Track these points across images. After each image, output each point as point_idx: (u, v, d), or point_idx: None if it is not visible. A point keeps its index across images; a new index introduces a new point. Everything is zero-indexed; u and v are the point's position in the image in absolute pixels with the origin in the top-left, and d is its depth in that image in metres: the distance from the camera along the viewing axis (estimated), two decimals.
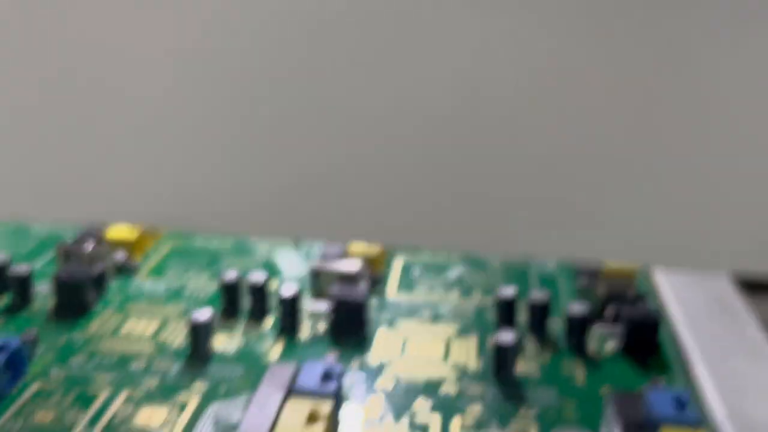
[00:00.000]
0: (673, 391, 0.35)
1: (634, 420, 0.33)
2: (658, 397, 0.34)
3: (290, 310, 0.42)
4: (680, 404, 0.34)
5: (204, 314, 0.40)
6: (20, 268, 0.44)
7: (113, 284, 0.46)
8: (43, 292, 0.45)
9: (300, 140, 0.26)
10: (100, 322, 0.42)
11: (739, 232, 0.27)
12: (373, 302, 0.45)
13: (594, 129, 0.26)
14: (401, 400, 0.37)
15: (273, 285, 0.46)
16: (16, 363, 0.37)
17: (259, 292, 0.43)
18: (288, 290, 0.42)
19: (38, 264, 0.49)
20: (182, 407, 0.35)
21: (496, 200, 0.28)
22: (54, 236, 0.52)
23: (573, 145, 0.26)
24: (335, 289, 0.42)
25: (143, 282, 0.47)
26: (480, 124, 0.25)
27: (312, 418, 0.32)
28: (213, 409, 0.35)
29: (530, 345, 0.41)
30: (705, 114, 0.25)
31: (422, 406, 0.36)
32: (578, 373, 0.39)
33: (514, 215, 0.28)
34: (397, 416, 0.35)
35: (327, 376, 0.35)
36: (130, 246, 0.49)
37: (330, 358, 0.37)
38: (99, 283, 0.45)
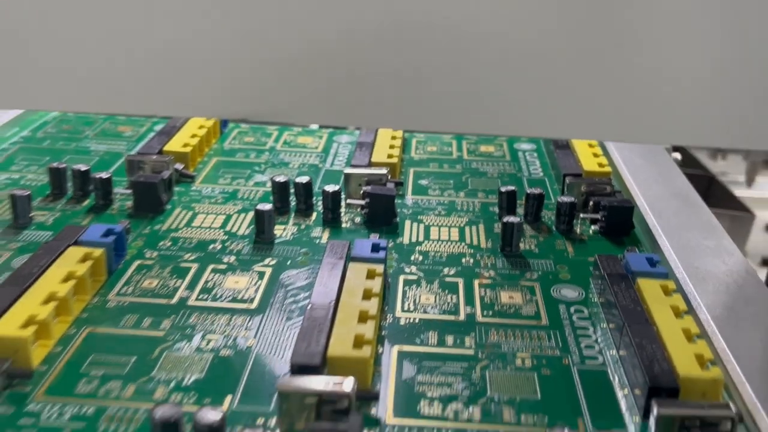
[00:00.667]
0: (645, 255, 0.43)
1: (616, 272, 0.41)
2: (634, 258, 0.42)
3: (333, 203, 0.49)
4: (651, 263, 0.42)
5: (265, 206, 0.47)
6: (101, 174, 0.50)
7: (177, 190, 0.53)
8: (119, 195, 0.51)
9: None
10: (173, 218, 0.49)
11: (674, 114, 0.35)
12: (396, 201, 0.52)
13: (564, 29, 0.33)
14: (431, 269, 0.44)
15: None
16: (120, 245, 0.44)
17: (306, 190, 0.50)
18: (330, 187, 0.49)
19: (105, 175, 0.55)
20: (260, 275, 0.43)
21: (483, 86, 0.35)
22: (111, 153, 0.59)
23: (545, 44, 0.34)
24: (368, 187, 0.50)
25: (200, 188, 0.54)
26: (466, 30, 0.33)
27: (370, 275, 0.40)
28: (284, 276, 0.43)
29: (528, 230, 0.49)
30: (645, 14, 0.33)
31: (449, 272, 0.44)
32: (569, 247, 0.47)
33: (497, 99, 0.35)
34: (430, 280, 0.43)
35: (375, 248, 0.42)
36: (185, 158, 0.55)
37: (374, 237, 0.45)
38: (168, 186, 0.51)
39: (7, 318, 0.35)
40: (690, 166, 0.82)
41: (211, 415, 0.29)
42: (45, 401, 0.32)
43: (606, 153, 0.59)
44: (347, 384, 0.31)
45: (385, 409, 0.33)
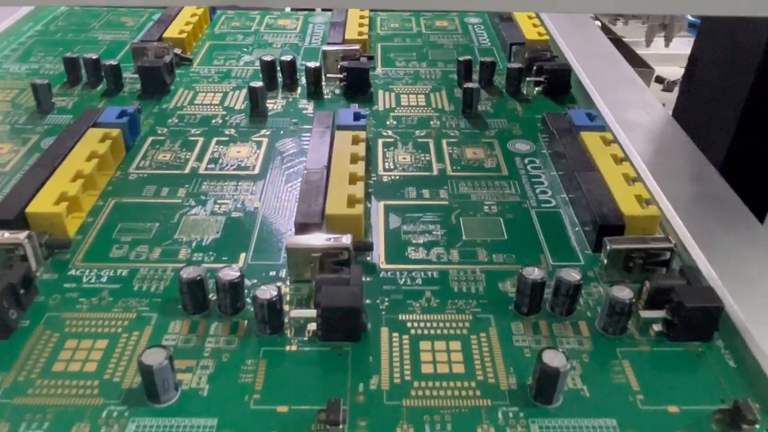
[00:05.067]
0: (585, 110, 0.39)
1: (562, 127, 0.38)
2: (576, 114, 0.39)
3: (314, 78, 0.44)
4: (591, 117, 0.39)
5: (257, 83, 0.42)
6: (110, 61, 0.44)
7: (178, 72, 0.48)
8: (129, 79, 0.46)
9: None
10: (177, 97, 0.44)
11: None
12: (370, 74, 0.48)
13: None
14: (405, 131, 0.41)
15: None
16: (133, 124, 0.39)
17: (290, 67, 0.45)
18: (311, 63, 0.44)
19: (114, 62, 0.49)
20: (258, 144, 0.39)
21: None
22: (117, 42, 0.52)
23: None
24: (345, 62, 0.45)
25: (198, 69, 0.48)
26: None
27: (355, 141, 0.36)
28: (279, 144, 0.39)
29: (484, 93, 0.45)
30: None
31: (420, 134, 0.40)
32: (518, 107, 0.44)
33: None
34: (405, 142, 0.39)
35: (357, 117, 0.38)
36: (182, 43, 0.49)
37: (355, 107, 0.41)
38: (170, 70, 0.46)
39: (41, 195, 0.31)
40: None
41: (231, 273, 0.26)
42: (83, 266, 0.29)
43: (543, 24, 0.55)
44: (346, 239, 0.28)
45: (378, 257, 0.30)
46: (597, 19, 0.62)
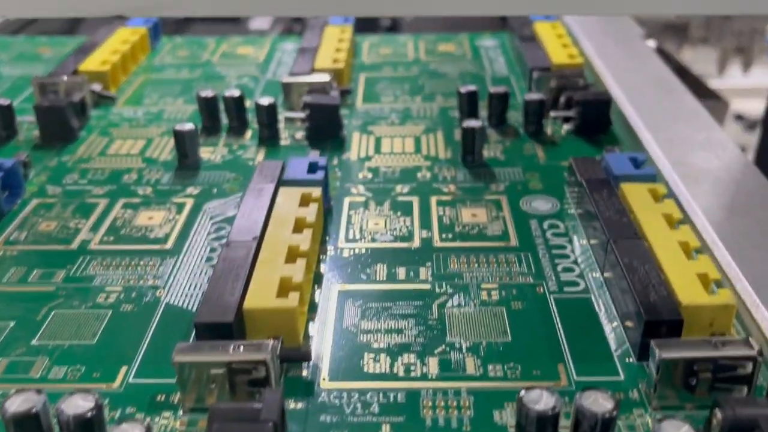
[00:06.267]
0: (628, 154, 0.34)
1: (596, 178, 0.32)
2: (615, 159, 0.34)
3: (269, 118, 0.40)
4: (636, 163, 0.34)
5: (187, 125, 0.38)
6: (0, 100, 0.41)
7: (94, 114, 0.44)
8: (28, 124, 0.42)
9: None
10: (86, 146, 0.40)
11: None
12: (344, 112, 0.44)
13: None
14: (382, 187, 0.36)
15: (247, 104, 0.44)
16: (13, 183, 0.35)
17: (237, 105, 0.41)
18: (265, 100, 0.40)
19: (17, 102, 0.46)
20: (179, 208, 0.34)
21: None
22: (26, 78, 0.49)
23: None
24: (309, 97, 0.41)
25: (122, 110, 0.45)
26: None
27: (304, 202, 0.31)
28: (208, 207, 0.34)
29: (493, 134, 0.41)
30: None
31: (401, 190, 0.35)
32: (539, 152, 0.39)
33: None
34: (380, 201, 0.35)
35: (312, 168, 0.34)
36: (104, 77, 0.46)
37: (313, 154, 0.36)
38: (81, 111, 0.42)
39: None
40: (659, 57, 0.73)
41: (81, 403, 0.21)
42: None
43: (576, 44, 0.50)
44: (264, 347, 0.23)
45: (319, 370, 0.25)
46: (660, 51, 0.58)
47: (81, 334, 0.26)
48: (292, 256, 0.27)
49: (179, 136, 0.37)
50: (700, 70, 1.09)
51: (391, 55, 0.53)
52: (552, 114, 0.41)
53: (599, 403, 0.21)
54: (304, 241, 0.28)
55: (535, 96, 0.40)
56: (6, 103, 0.41)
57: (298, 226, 0.29)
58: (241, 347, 0.22)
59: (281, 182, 0.33)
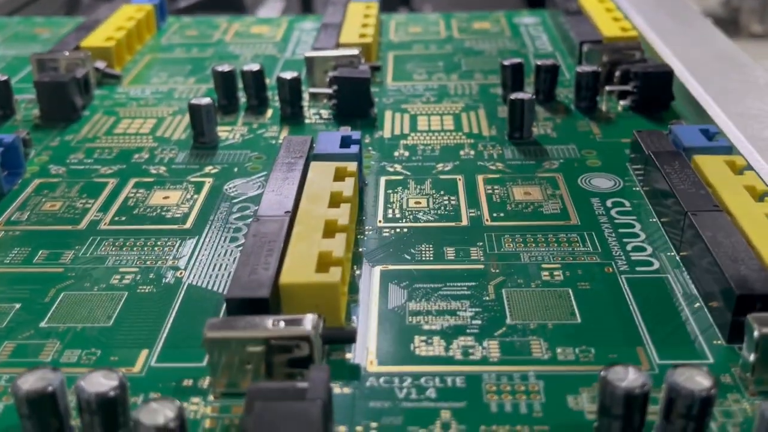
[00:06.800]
0: (699, 126, 0.34)
1: (666, 151, 0.31)
2: (685, 132, 0.33)
3: (292, 95, 0.39)
4: (708, 135, 0.33)
5: (203, 100, 0.37)
6: None
7: (98, 93, 0.43)
8: (27, 102, 0.41)
9: None
10: (91, 125, 0.40)
11: None
12: (374, 90, 0.43)
13: None
14: (421, 166, 0.35)
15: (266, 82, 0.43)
16: (12, 161, 0.34)
17: (257, 81, 0.40)
18: (287, 74, 0.39)
19: (13, 81, 0.45)
20: (198, 187, 0.33)
21: None
22: (23, 58, 0.49)
23: None
24: (336, 71, 0.40)
25: (128, 89, 0.44)
26: None
27: (339, 176, 0.30)
28: (229, 186, 0.33)
29: (541, 111, 0.40)
30: None
31: (443, 168, 0.35)
32: (595, 129, 0.38)
33: None
34: (420, 180, 0.34)
35: (345, 142, 0.33)
36: (108, 54, 0.45)
37: (344, 129, 0.35)
38: (84, 88, 0.41)
39: None
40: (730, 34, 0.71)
41: (105, 382, 0.20)
42: None
43: (627, 18, 0.49)
44: (308, 323, 0.22)
45: (365, 353, 0.24)
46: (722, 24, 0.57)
47: (95, 316, 0.25)
48: (330, 231, 0.27)
49: (195, 111, 0.37)
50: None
51: (422, 34, 0.52)
52: (607, 88, 0.40)
53: (695, 380, 0.19)
54: (342, 215, 0.27)
55: (588, 68, 0.40)
56: (3, 79, 0.40)
57: (334, 201, 0.28)
58: (282, 322, 0.22)
59: (312, 157, 0.32)
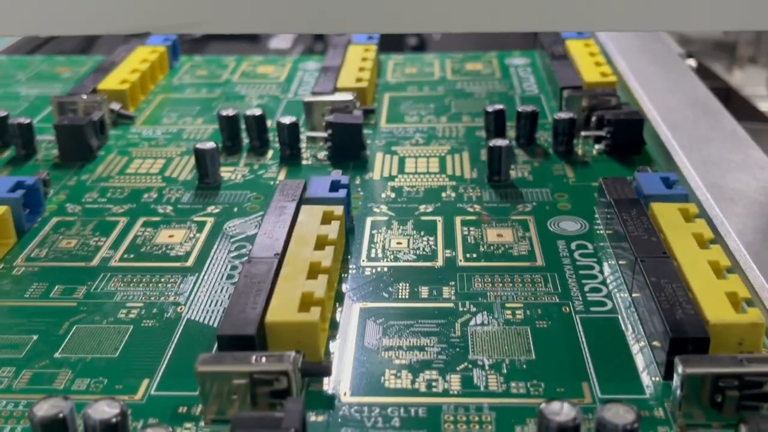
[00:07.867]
0: (660, 174, 0.36)
1: (626, 198, 0.34)
2: (646, 179, 0.36)
3: (290, 138, 0.43)
4: (668, 183, 0.35)
5: (208, 144, 0.40)
6: (20, 119, 0.44)
7: (113, 133, 0.47)
8: (47, 143, 0.45)
9: None
10: (105, 165, 0.43)
11: None
12: (367, 132, 0.46)
13: None
14: (405, 207, 0.38)
15: (268, 124, 0.46)
16: (33, 201, 0.37)
17: (259, 124, 0.44)
18: (287, 119, 0.43)
19: (35, 120, 0.48)
20: (200, 226, 0.36)
21: None
22: (45, 98, 0.52)
23: None
24: (331, 116, 0.43)
25: (141, 130, 0.47)
26: None
27: (326, 219, 0.33)
28: (229, 226, 0.36)
29: (521, 154, 0.43)
30: None
31: (425, 209, 0.37)
32: (569, 173, 0.41)
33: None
34: (403, 221, 0.37)
35: (335, 186, 0.36)
36: (123, 97, 0.49)
37: (335, 173, 0.38)
38: (100, 130, 0.45)
39: None
40: (705, 78, 0.75)
41: (107, 410, 0.23)
42: None
43: (610, 62, 0.52)
44: (285, 359, 0.25)
45: (341, 384, 0.27)
46: (705, 70, 0.60)
47: (103, 348, 0.28)
48: (313, 272, 0.29)
49: (200, 155, 0.40)
50: (750, 91, 1.10)
51: (417, 75, 0.55)
52: (583, 133, 0.43)
53: (620, 415, 0.22)
54: (326, 257, 0.30)
55: (564, 115, 0.42)
56: (26, 122, 0.43)
57: (320, 244, 0.31)
58: (263, 358, 0.25)
59: (303, 200, 0.35)
